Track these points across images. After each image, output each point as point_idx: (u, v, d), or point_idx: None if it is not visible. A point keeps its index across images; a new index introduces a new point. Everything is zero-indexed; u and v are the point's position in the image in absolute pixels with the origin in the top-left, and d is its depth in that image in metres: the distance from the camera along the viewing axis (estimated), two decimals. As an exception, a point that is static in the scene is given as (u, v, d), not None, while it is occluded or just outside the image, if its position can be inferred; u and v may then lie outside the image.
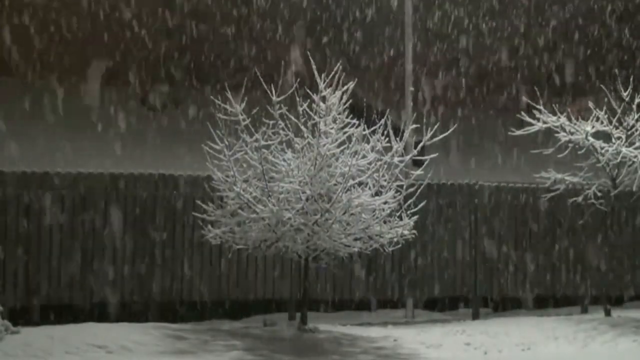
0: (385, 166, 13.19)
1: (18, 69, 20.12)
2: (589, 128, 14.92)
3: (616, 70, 17.93)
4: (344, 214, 12.85)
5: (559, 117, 15.08)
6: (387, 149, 13.28)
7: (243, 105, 12.97)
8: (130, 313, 14.32)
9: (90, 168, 14.82)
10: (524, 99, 15.66)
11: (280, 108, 12.85)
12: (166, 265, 14.57)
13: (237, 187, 12.88)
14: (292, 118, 12.99)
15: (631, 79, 15.58)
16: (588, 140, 14.91)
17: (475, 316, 15.89)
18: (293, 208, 12.75)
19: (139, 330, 12.56)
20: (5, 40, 19.93)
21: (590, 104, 15.25)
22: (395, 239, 13.28)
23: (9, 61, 20.12)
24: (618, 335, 13.59)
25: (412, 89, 17.01)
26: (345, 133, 13.03)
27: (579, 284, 16.72)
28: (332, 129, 12.88)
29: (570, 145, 15.05)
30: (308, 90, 12.89)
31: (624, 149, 14.86)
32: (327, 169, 12.82)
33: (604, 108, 15.18)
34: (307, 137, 12.89)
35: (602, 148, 14.94)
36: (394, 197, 13.14)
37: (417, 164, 14.27)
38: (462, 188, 16.26)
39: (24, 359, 11.03)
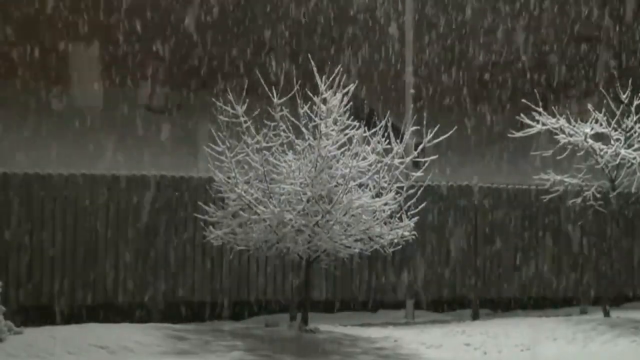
0: (386, 168, 13.26)
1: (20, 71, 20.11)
2: (588, 130, 14.97)
3: (615, 73, 17.99)
4: (344, 215, 12.90)
5: (559, 119, 15.14)
6: (388, 151, 13.35)
7: (244, 107, 13.03)
8: (132, 314, 14.40)
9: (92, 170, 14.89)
10: (524, 100, 15.66)
11: (281, 110, 12.92)
12: (168, 266, 14.65)
13: (238, 188, 12.94)
14: (294, 120, 13.05)
15: (630, 81, 15.64)
16: (587, 142, 14.96)
17: (475, 317, 15.94)
18: (294, 209, 12.80)
19: (141, 330, 12.59)
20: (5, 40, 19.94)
21: (590, 106, 15.32)
22: (395, 240, 13.34)
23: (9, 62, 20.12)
24: (617, 335, 13.63)
25: (412, 90, 17.05)
26: (346, 135, 13.08)
27: (578, 285, 16.81)
28: (332, 130, 12.93)
29: (569, 147, 15.10)
30: (309, 92, 12.95)
31: (622, 151, 14.92)
32: (327, 170, 12.87)
33: (603, 110, 15.24)
34: (308, 138, 12.96)
35: (601, 150, 15.00)
36: (394, 199, 13.20)
37: (417, 165, 14.32)
38: (462, 189, 16.34)
39: (26, 360, 11.13)
